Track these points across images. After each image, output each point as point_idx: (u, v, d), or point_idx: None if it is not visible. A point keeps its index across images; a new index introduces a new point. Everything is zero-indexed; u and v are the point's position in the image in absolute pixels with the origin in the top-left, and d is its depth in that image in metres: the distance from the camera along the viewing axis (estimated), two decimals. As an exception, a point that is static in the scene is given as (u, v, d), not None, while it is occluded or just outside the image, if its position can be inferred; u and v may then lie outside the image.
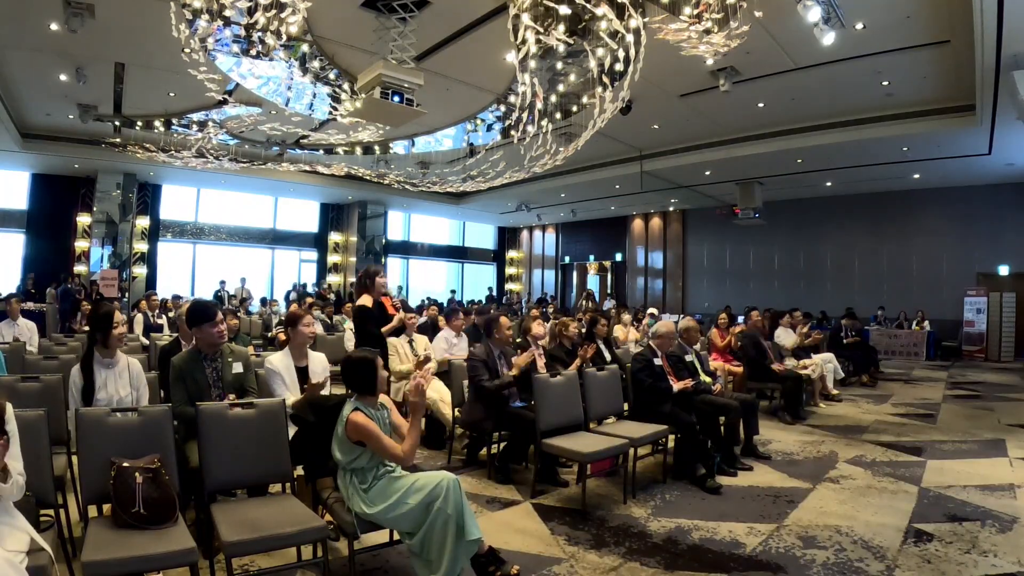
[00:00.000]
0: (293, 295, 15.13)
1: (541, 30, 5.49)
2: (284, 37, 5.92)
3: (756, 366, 6.23)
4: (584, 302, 17.12)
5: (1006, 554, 2.97)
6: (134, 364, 3.11)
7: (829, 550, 3.03)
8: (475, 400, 4.22)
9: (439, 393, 4.85)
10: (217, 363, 3.15)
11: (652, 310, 10.55)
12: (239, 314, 9.96)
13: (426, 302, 14.64)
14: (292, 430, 2.92)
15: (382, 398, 2.73)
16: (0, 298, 6.52)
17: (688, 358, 4.82)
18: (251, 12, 5.54)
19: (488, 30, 7.32)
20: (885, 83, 8.60)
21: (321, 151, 13.15)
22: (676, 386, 4.34)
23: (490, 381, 4.12)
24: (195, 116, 10.94)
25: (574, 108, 9.22)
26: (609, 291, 20.16)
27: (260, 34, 6.30)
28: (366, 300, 4.37)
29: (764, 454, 4.77)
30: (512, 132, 8.99)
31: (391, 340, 5.52)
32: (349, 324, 8.31)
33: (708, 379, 4.91)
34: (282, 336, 7.55)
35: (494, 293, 20.68)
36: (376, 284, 4.39)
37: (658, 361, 4.48)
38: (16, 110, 10.76)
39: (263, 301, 14.65)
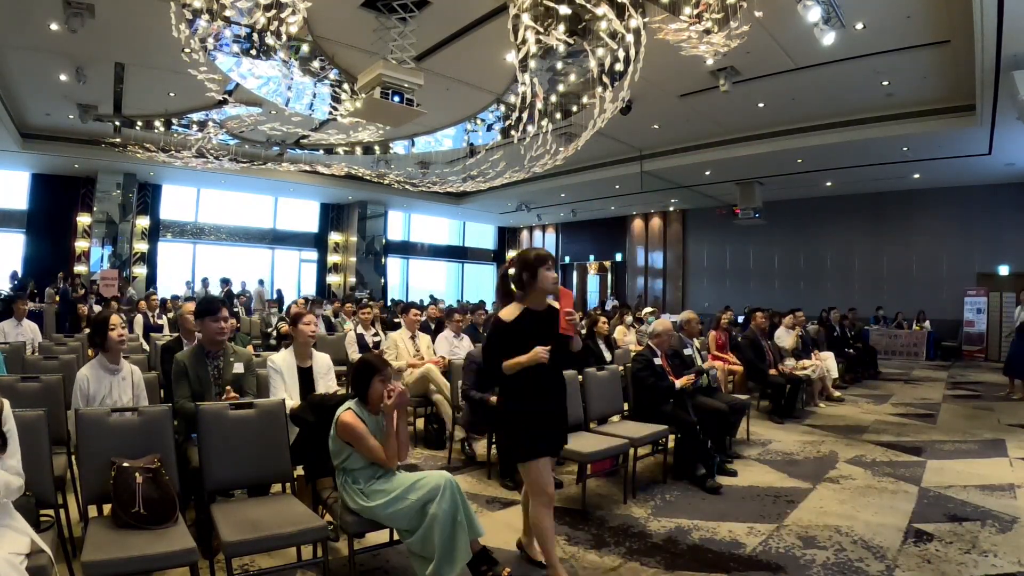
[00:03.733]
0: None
1: (541, 30, 5.49)
2: (284, 37, 5.92)
3: (753, 368, 6.24)
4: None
5: (1006, 554, 2.97)
6: (136, 372, 3.15)
7: (829, 550, 3.03)
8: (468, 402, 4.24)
9: (445, 392, 4.85)
10: (219, 361, 3.18)
11: (648, 309, 10.54)
12: (236, 311, 9.93)
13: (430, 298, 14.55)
14: (294, 432, 2.91)
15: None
16: (14, 295, 6.49)
17: (687, 352, 4.84)
18: (251, 12, 5.54)
19: (488, 30, 7.32)
20: (885, 83, 8.60)
21: (321, 151, 13.15)
22: (678, 383, 4.33)
23: (476, 392, 4.13)
24: (195, 116, 10.95)
25: (574, 108, 9.22)
26: (611, 291, 20.17)
27: (260, 34, 6.30)
28: None
29: (735, 455, 4.75)
30: (512, 132, 8.99)
31: (392, 336, 5.53)
32: (349, 324, 8.32)
33: (708, 365, 4.97)
34: (284, 327, 7.54)
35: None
36: None
37: (658, 361, 4.47)
38: (16, 110, 10.76)
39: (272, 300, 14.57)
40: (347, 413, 2.55)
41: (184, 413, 2.88)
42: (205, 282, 14.77)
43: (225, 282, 14.40)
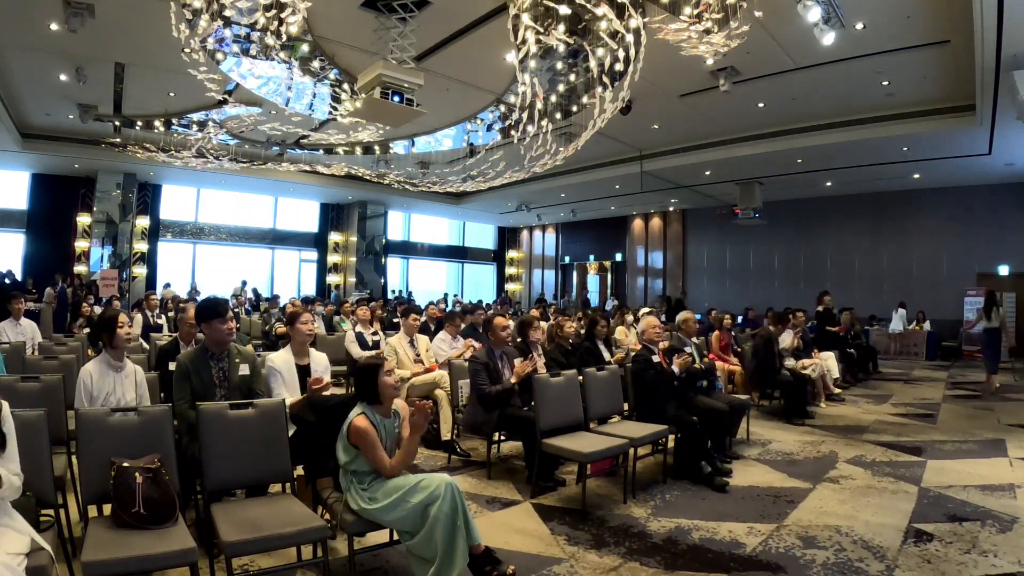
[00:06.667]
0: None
1: (541, 30, 5.49)
2: (284, 37, 5.92)
3: (765, 369, 6.23)
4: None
5: (1006, 554, 2.97)
6: (139, 371, 3.16)
7: (829, 550, 3.03)
8: (476, 403, 4.21)
9: (446, 391, 4.84)
10: (224, 363, 3.12)
11: (645, 308, 10.54)
12: (236, 311, 9.93)
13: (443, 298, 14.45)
14: (291, 430, 2.91)
15: (397, 403, 2.74)
16: (12, 294, 6.49)
17: (688, 350, 4.85)
18: (251, 12, 5.54)
19: (488, 30, 7.32)
20: (885, 83, 8.60)
21: (321, 151, 13.15)
22: (675, 365, 4.30)
23: (491, 386, 4.11)
24: (195, 116, 10.95)
25: (574, 108, 9.22)
26: (611, 291, 20.17)
27: (260, 34, 6.30)
28: None
29: (734, 455, 4.76)
30: (512, 132, 8.99)
31: (391, 341, 5.53)
32: (348, 324, 8.32)
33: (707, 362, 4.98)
34: (281, 328, 7.55)
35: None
36: None
37: (656, 358, 4.47)
38: (16, 110, 10.76)
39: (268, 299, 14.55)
40: (360, 418, 2.54)
41: (185, 418, 2.85)
42: (244, 283, 14.85)
43: (244, 284, 14.43)
